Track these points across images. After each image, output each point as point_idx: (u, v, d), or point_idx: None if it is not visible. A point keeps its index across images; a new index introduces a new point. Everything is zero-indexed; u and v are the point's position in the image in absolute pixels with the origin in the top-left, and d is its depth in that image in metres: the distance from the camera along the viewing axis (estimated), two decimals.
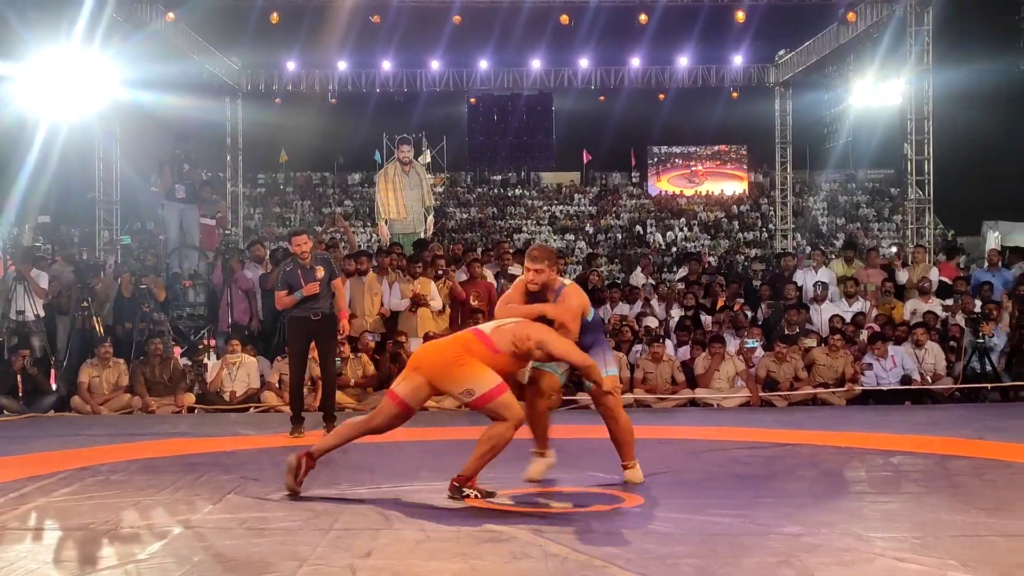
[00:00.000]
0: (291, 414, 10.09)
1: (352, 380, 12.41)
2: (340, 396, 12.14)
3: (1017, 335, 13.49)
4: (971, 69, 30.11)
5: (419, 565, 4.79)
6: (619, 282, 16.26)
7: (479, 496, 6.24)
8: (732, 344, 13.24)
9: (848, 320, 13.77)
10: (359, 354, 12.64)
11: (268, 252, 16.09)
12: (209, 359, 13.31)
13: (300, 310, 9.92)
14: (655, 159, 49.82)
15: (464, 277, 13.98)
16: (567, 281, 6.93)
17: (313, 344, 10.14)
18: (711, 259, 34.87)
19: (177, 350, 13.51)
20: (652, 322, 14.03)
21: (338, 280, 10.31)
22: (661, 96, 35.07)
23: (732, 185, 49.28)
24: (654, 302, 14.75)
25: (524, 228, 45.10)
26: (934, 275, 15.07)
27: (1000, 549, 5.04)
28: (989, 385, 13.01)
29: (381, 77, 30.98)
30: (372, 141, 44.09)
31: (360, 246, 24.69)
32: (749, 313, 14.36)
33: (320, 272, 10.00)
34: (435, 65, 30.99)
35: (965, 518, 5.75)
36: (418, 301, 13.21)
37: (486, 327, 6.50)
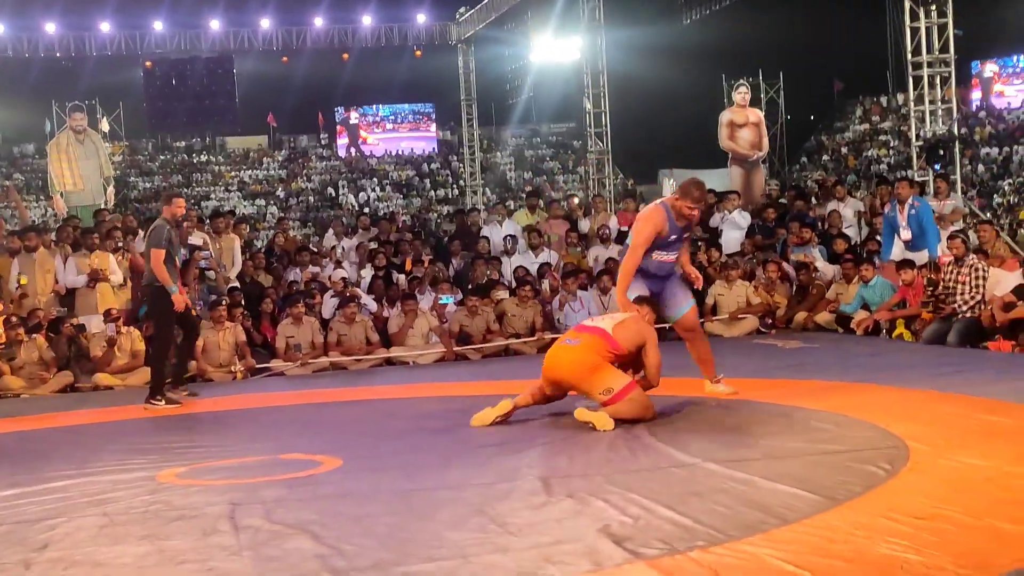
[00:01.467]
0: (170, 379, 9.84)
1: (25, 363, 11.63)
2: (11, 380, 11.42)
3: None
4: (641, 26, 31.46)
5: (100, 552, 4.54)
6: (311, 247, 16.11)
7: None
8: (426, 301, 13.35)
9: (535, 271, 14.13)
10: (33, 336, 11.87)
11: None
12: None
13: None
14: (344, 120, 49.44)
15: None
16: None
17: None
18: (405, 218, 35.12)
19: None
20: (340, 273, 13.96)
21: None
22: (345, 56, 34.85)
23: (421, 143, 49.60)
24: (346, 263, 14.68)
25: (212, 195, 43.94)
26: (613, 223, 15.66)
27: (676, 479, 5.30)
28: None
29: (45, 41, 29.25)
30: (41, 109, 41.70)
31: (35, 221, 23.39)
32: (443, 269, 14.54)
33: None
34: (105, 27, 29.58)
35: (645, 453, 6.01)
36: (96, 276, 12.56)
37: (607, 326, 7.40)
